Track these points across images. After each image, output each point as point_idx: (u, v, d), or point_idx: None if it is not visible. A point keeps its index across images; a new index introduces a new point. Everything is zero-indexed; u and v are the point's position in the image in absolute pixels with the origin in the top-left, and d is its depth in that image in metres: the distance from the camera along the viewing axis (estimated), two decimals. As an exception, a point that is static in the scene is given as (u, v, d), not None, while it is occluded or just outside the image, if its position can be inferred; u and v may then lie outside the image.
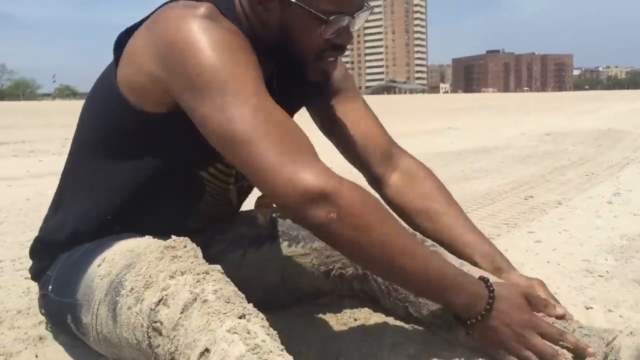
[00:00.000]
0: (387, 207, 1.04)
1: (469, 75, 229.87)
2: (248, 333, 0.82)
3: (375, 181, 1.33)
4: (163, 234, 1.06)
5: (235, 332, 0.81)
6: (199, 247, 1.02)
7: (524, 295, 1.05)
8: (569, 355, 0.99)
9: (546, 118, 11.89)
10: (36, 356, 1.23)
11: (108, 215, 1.14)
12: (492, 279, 1.07)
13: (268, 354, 0.79)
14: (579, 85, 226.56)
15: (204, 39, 0.94)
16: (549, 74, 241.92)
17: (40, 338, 1.31)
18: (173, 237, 1.02)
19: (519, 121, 10.55)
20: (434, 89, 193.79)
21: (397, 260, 0.95)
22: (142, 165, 1.10)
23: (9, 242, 2.20)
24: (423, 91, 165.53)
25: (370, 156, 1.30)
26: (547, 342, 1.00)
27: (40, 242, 1.23)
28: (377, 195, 1.11)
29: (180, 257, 0.96)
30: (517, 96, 44.77)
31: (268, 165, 0.89)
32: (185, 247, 1.00)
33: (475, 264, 1.19)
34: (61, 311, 1.14)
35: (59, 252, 1.18)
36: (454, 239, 1.23)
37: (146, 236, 1.11)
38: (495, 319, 1.01)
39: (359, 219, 0.91)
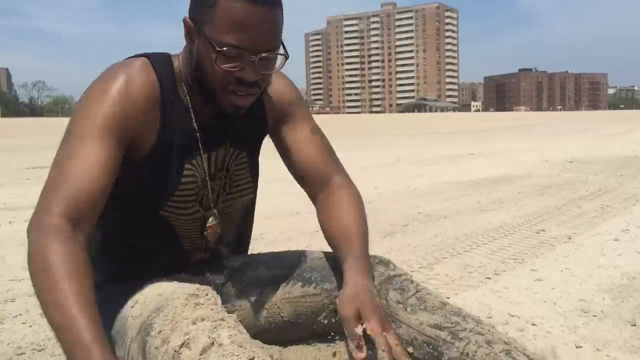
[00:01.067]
0: (59, 264, 1.03)
1: (500, 94, 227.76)
2: None
3: (312, 199, 1.48)
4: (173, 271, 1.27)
5: None
6: (218, 295, 1.20)
7: None
8: None
9: (573, 141, 11.86)
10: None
11: (114, 262, 1.33)
12: None
13: None
14: (614, 104, 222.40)
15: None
16: (582, 92, 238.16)
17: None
18: (197, 285, 1.21)
19: (544, 146, 10.51)
20: (465, 107, 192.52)
21: (43, 301, 1.01)
22: (112, 214, 1.27)
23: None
24: (454, 109, 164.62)
25: (310, 179, 1.45)
26: None
27: None
28: None
29: (202, 304, 1.14)
30: (549, 115, 44.23)
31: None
32: (207, 295, 1.19)
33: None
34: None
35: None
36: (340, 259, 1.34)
37: (174, 281, 1.29)
38: None
39: (28, 257, 1.05)
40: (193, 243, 1.41)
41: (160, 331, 1.12)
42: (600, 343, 1.66)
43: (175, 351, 1.07)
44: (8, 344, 1.64)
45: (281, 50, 1.21)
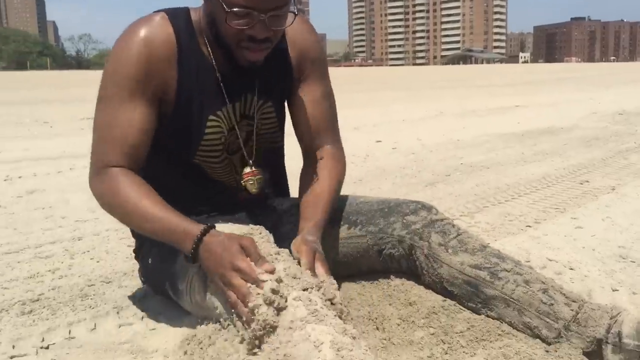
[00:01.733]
0: (129, 190, 1.30)
1: (550, 44, 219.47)
2: (309, 301, 1.10)
3: (303, 156, 1.59)
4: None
5: (300, 300, 1.10)
6: (270, 233, 1.31)
7: (240, 245, 1.18)
8: (261, 292, 1.11)
9: (625, 93, 11.47)
10: (142, 310, 1.55)
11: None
12: (226, 230, 1.28)
13: (324, 317, 1.07)
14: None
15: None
16: (638, 42, 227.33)
17: (145, 296, 1.63)
18: (251, 225, 1.33)
19: (594, 98, 10.23)
20: (513, 59, 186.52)
21: (135, 223, 1.34)
22: (155, 162, 1.43)
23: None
24: (501, 61, 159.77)
25: (305, 139, 1.56)
26: (243, 283, 1.14)
27: None
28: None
29: (256, 241, 1.24)
30: (601, 66, 42.60)
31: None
32: (260, 233, 1.31)
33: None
34: (160, 278, 1.47)
35: None
36: (301, 214, 1.45)
37: (228, 222, 1.40)
38: (202, 259, 1.21)
39: (103, 200, 1.35)
40: (231, 186, 1.51)
41: None
42: (636, 287, 1.70)
43: None
44: (79, 277, 1.80)
45: (291, 8, 1.27)
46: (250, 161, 1.49)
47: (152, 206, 1.28)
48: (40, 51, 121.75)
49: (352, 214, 1.54)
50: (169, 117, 1.38)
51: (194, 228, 1.23)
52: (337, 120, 1.60)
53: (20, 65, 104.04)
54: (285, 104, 1.57)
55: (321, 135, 1.55)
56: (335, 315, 1.12)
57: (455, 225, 1.47)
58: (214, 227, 1.26)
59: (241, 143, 1.47)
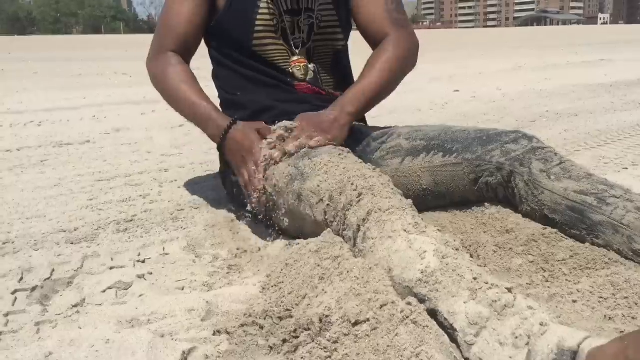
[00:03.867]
0: (176, 77, 1.59)
1: (633, 4, 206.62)
2: (404, 210, 1.06)
3: (372, 47, 1.67)
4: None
5: (394, 210, 1.06)
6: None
7: (257, 131, 1.45)
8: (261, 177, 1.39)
9: None
10: (231, 230, 1.56)
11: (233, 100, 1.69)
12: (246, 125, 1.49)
13: (420, 227, 1.03)
14: None
15: None
16: None
17: (232, 220, 1.63)
18: (339, 147, 1.35)
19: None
20: (591, 20, 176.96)
21: (174, 104, 1.62)
22: (220, 53, 1.67)
23: (196, 150, 2.62)
24: (578, 22, 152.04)
25: (369, 32, 1.67)
26: (255, 168, 1.41)
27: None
28: None
29: (347, 156, 1.23)
30: (690, 27, 39.82)
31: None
32: (348, 152, 1.31)
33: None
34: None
35: None
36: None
37: None
38: (227, 148, 1.50)
39: (155, 80, 1.65)
40: (286, 73, 1.61)
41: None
42: None
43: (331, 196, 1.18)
44: (169, 202, 1.83)
45: None
46: (297, 50, 1.61)
47: (190, 91, 1.54)
48: (114, 16, 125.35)
49: (447, 141, 1.48)
50: (225, 8, 1.58)
51: (223, 122, 1.49)
52: (403, 10, 1.70)
53: (96, 30, 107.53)
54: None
55: (380, 30, 1.64)
56: (435, 229, 1.08)
57: (557, 153, 1.39)
58: (237, 121, 1.49)
59: (295, 30, 1.60)
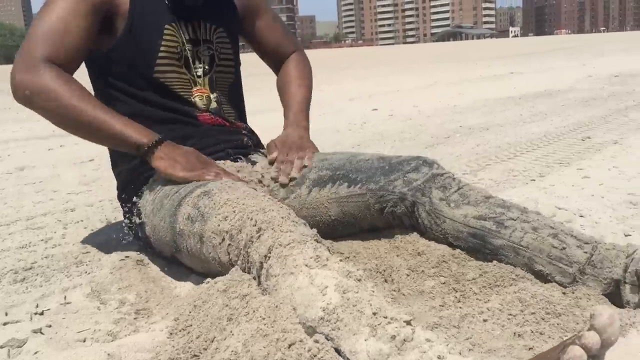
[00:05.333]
0: (75, 92, 1.35)
1: (540, 17, 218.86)
2: (304, 244, 1.04)
3: (275, 72, 1.87)
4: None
5: (294, 245, 1.03)
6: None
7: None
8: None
9: (619, 59, 11.40)
10: (140, 271, 1.48)
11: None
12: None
13: (321, 260, 1.00)
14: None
15: None
16: (627, 12, 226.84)
17: (141, 260, 1.55)
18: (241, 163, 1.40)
19: (588, 64, 10.17)
20: (503, 34, 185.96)
21: (73, 123, 1.37)
22: (119, 85, 1.52)
23: (106, 187, 2.51)
24: (491, 36, 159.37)
25: (274, 57, 1.85)
26: (223, 172, 1.40)
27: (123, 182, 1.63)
28: None
29: (247, 191, 1.23)
30: (592, 37, 42.46)
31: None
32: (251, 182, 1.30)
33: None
34: (158, 237, 1.41)
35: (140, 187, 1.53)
36: (284, 104, 1.77)
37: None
38: (168, 147, 1.39)
39: (34, 97, 1.34)
40: (188, 104, 1.56)
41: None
42: (649, 231, 1.64)
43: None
44: (73, 245, 1.73)
45: None
46: (200, 80, 1.57)
47: (98, 105, 1.36)
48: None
49: (352, 171, 1.48)
50: (125, 31, 1.46)
51: (148, 134, 1.39)
52: (289, 30, 1.90)
53: (8, 60, 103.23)
54: (242, 44, 1.85)
55: (284, 50, 1.83)
56: (339, 260, 1.05)
57: (456, 178, 1.41)
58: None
59: (196, 60, 1.56)
